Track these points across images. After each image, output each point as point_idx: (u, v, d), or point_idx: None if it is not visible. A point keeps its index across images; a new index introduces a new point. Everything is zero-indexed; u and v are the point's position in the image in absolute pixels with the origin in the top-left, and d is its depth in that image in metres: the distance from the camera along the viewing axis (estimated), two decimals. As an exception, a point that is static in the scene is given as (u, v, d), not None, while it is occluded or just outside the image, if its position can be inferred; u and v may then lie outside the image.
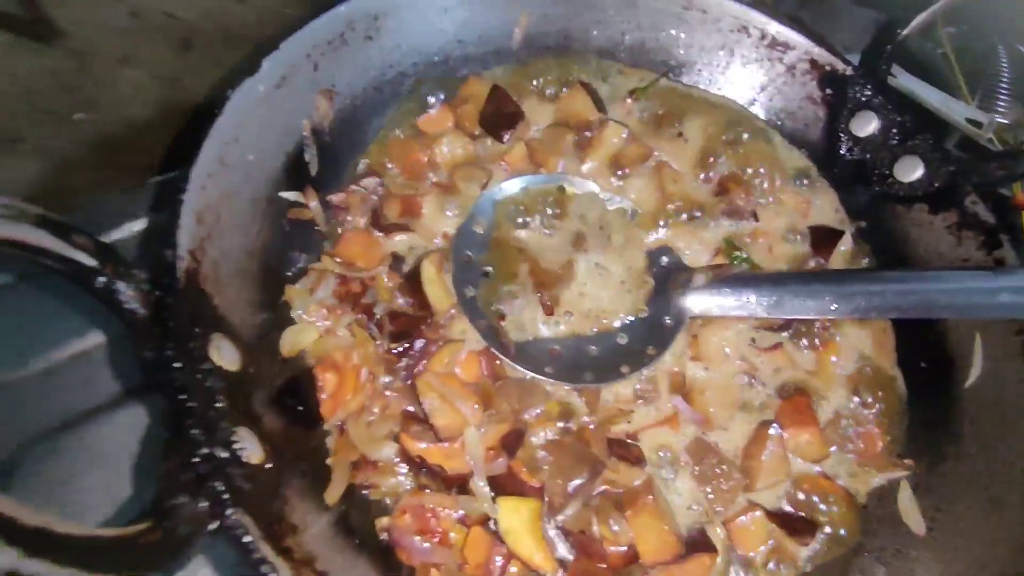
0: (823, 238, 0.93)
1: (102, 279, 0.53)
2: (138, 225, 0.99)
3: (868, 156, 0.96)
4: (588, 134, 0.95)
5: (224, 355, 0.59)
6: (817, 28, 1.01)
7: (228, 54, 1.09)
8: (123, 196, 1.01)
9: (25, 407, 0.84)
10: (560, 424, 0.75)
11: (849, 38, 1.26)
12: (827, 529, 0.73)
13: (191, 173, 0.64)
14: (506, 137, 0.93)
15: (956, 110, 1.16)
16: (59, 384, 0.86)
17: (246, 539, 0.50)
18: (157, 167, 1.11)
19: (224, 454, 0.52)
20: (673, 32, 1.02)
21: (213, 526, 0.49)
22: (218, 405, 0.55)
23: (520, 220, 0.89)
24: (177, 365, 0.53)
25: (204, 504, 0.48)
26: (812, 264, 0.92)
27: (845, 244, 0.93)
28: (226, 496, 0.49)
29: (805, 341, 0.85)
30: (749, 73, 1.02)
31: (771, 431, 0.77)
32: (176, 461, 0.49)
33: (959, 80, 1.24)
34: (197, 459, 0.49)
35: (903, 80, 1.14)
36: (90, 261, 0.52)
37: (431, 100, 0.94)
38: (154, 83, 1.09)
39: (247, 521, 0.50)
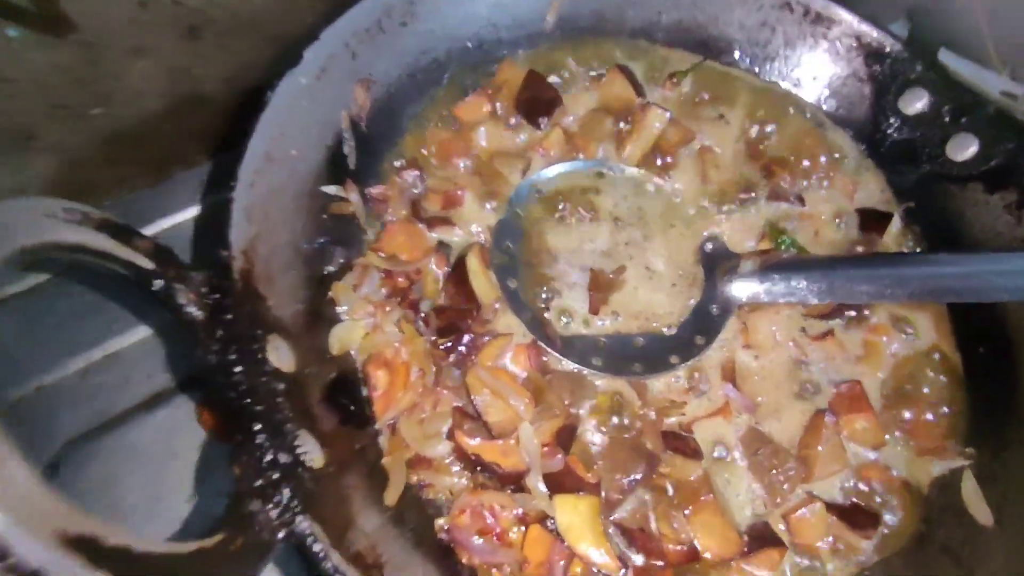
0: (871, 221, 0.91)
1: (160, 282, 0.52)
2: (166, 222, 0.98)
3: (918, 135, 0.93)
4: (628, 119, 0.92)
5: (282, 357, 0.58)
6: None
7: (237, 42, 1.07)
8: (146, 192, 1.00)
9: (65, 408, 0.83)
10: (613, 418, 0.73)
11: (889, 10, 1.22)
12: (889, 520, 0.72)
13: (239, 170, 0.62)
14: (543, 123, 0.91)
15: (990, 82, 1.13)
16: (98, 384, 0.85)
17: (316, 547, 0.49)
18: (174, 160, 1.09)
19: (288, 458, 0.51)
20: (712, 10, 0.99)
21: (283, 533, 0.48)
22: (281, 408, 0.53)
23: (560, 208, 0.87)
24: (240, 368, 0.51)
25: (275, 510, 0.47)
26: (860, 248, 0.89)
27: (894, 226, 0.91)
28: (295, 502, 0.48)
29: (857, 328, 0.83)
30: (792, 51, 0.99)
31: (826, 419, 0.76)
32: (247, 467, 0.48)
33: (991, 52, 1.20)
34: (266, 464, 0.48)
35: (941, 57, 1.10)
36: (149, 264, 0.50)
37: (467, 86, 0.92)
38: (164, 74, 1.07)
39: (316, 528, 0.49)
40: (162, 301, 0.52)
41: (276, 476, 0.48)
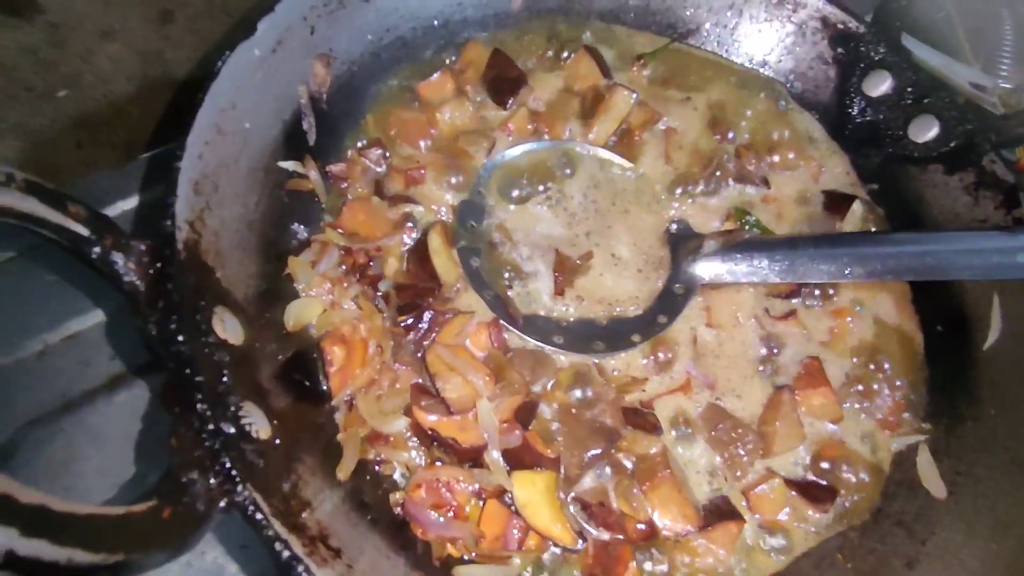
0: (835, 202, 0.91)
1: (98, 250, 0.50)
2: (129, 203, 0.96)
3: (881, 117, 0.93)
4: (595, 99, 0.92)
5: (228, 329, 0.57)
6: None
7: (209, 26, 1.06)
8: (112, 174, 0.98)
9: (22, 390, 0.82)
10: (575, 394, 0.73)
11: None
12: (847, 495, 0.72)
13: (187, 141, 0.61)
14: (509, 103, 0.90)
15: (960, 73, 1.14)
16: (56, 366, 0.84)
17: (258, 516, 0.48)
18: (144, 143, 1.08)
19: (232, 429, 0.50)
20: (679, -9, 0.99)
21: (224, 503, 0.47)
22: (225, 379, 0.52)
23: (525, 188, 0.86)
24: (182, 338, 0.50)
25: (215, 481, 0.46)
26: (823, 229, 0.90)
27: (857, 208, 0.91)
28: (236, 472, 0.47)
29: (819, 305, 0.84)
30: (758, 33, 0.99)
31: (785, 396, 0.76)
32: (185, 437, 0.47)
33: (962, 43, 1.21)
34: (206, 434, 0.47)
35: (906, 43, 1.11)
36: (84, 231, 0.49)
37: (431, 65, 0.91)
38: (135, 57, 1.06)
39: (258, 498, 0.48)
40: (100, 270, 0.51)
41: (216, 446, 0.47)
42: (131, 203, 0.96)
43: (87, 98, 1.06)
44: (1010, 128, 0.88)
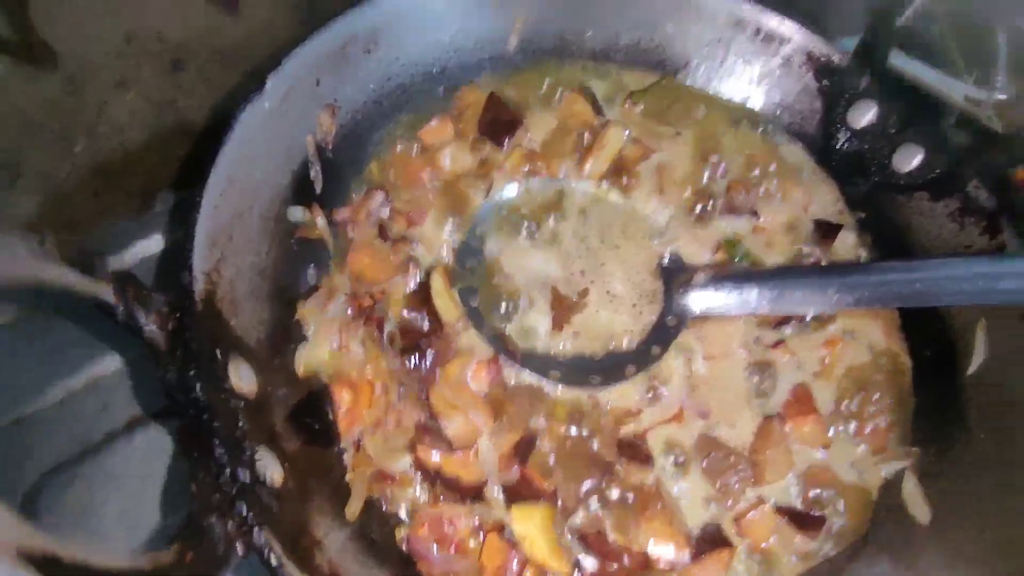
0: (823, 231, 0.93)
1: (121, 307, 0.54)
2: (145, 249, 0.99)
3: (866, 146, 0.96)
4: (589, 137, 0.95)
5: (243, 378, 0.61)
6: (811, 10, 1.00)
7: (220, 73, 1.10)
8: (128, 224, 1.02)
9: (43, 438, 0.84)
10: (571, 428, 0.76)
11: (842, 22, 1.25)
12: (836, 522, 0.74)
13: (202, 194, 0.65)
14: (505, 144, 0.94)
15: (954, 88, 1.16)
16: (76, 412, 0.86)
17: (273, 560, 0.51)
18: (159, 191, 1.12)
19: (248, 475, 0.54)
20: (668, 30, 1.02)
21: (242, 546, 0.50)
22: (240, 425, 0.56)
23: (523, 227, 0.90)
24: (200, 386, 0.54)
25: (232, 524, 0.50)
26: (813, 258, 0.92)
27: (846, 236, 0.94)
28: (253, 517, 0.51)
29: (809, 336, 0.86)
30: (746, 68, 1.02)
31: (775, 424, 0.79)
32: (204, 482, 0.50)
33: (956, 58, 1.23)
34: (224, 480, 0.51)
35: (898, 61, 1.13)
36: (109, 290, 0.53)
37: (430, 110, 0.95)
38: (148, 106, 1.10)
39: (273, 541, 0.52)
40: (124, 324, 0.55)
41: (233, 491, 0.51)
42: (148, 249, 0.99)
43: (103, 147, 1.10)
44: (995, 155, 0.90)
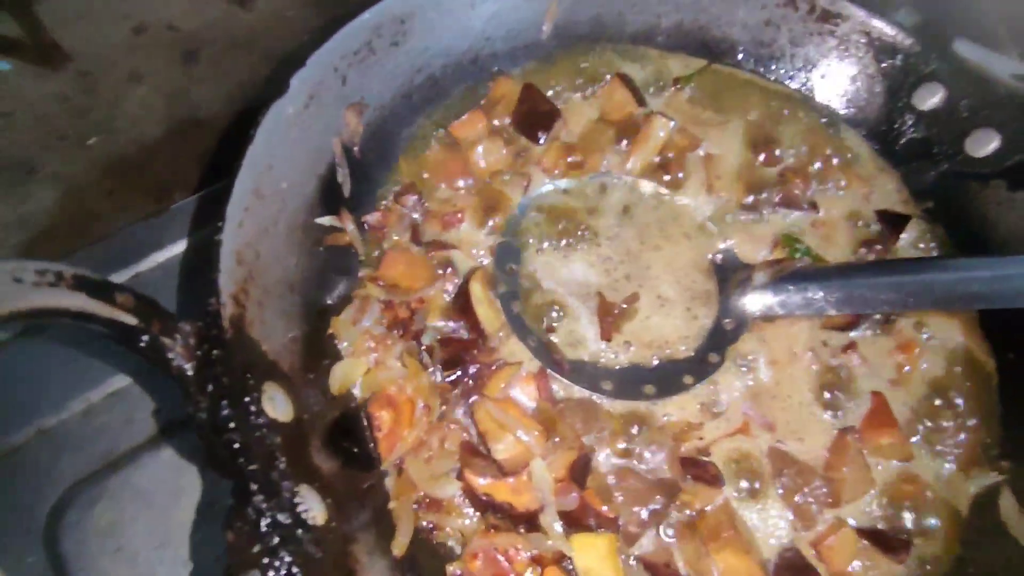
0: (888, 223, 0.87)
1: (146, 338, 0.49)
2: (163, 255, 0.96)
3: (934, 131, 0.89)
4: (631, 129, 0.89)
5: (278, 406, 0.56)
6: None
7: (234, 63, 1.07)
8: (145, 224, 0.98)
9: (67, 451, 0.82)
10: (629, 445, 0.70)
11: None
12: (923, 544, 0.68)
13: (227, 210, 0.59)
14: (542, 138, 0.88)
15: (1000, 65, 1.09)
16: (99, 425, 0.84)
17: (320, 610, 0.46)
18: (174, 190, 1.08)
19: (288, 519, 0.49)
20: (714, 11, 0.95)
21: (286, 600, 0.45)
22: (278, 463, 0.51)
23: (563, 226, 0.84)
24: (233, 425, 0.49)
25: (275, 578, 0.45)
26: (877, 253, 0.85)
27: (912, 229, 0.87)
28: (296, 569, 0.46)
29: (881, 339, 0.80)
30: (798, 50, 0.95)
31: (850, 437, 0.73)
32: (242, 531, 0.45)
33: (1003, 34, 1.15)
34: (264, 529, 0.46)
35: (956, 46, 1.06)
36: (133, 320, 0.48)
37: (462, 103, 0.89)
38: (161, 99, 1.08)
39: (319, 589, 0.47)
40: (149, 357, 0.50)
41: (274, 542, 0.46)
42: (165, 255, 0.96)
43: (117, 143, 1.07)
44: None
